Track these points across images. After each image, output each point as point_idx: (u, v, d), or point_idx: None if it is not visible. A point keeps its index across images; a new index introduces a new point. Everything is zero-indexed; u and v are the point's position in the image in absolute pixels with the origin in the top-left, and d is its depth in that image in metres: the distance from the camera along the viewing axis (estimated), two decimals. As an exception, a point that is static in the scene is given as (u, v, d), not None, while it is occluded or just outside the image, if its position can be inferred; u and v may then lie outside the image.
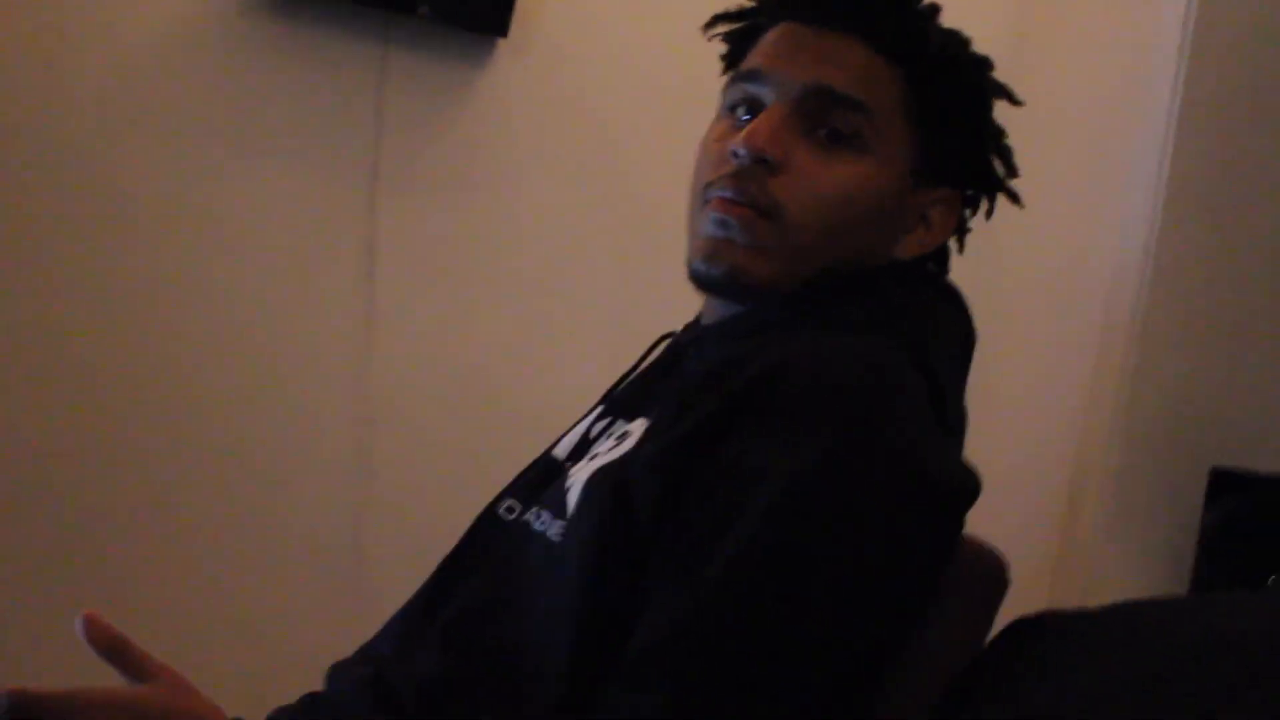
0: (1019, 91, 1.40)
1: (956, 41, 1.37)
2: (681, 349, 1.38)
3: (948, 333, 1.34)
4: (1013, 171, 1.40)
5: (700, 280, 1.33)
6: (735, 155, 1.29)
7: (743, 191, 1.28)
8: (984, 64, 1.37)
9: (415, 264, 2.79)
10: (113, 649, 1.09)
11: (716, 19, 1.43)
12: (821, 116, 1.29)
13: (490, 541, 1.32)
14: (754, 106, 1.33)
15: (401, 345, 2.79)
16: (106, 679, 1.11)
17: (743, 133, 1.29)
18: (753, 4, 1.41)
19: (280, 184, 2.72)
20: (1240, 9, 2.47)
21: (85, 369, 2.65)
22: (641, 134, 2.76)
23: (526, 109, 2.80)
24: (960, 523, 1.22)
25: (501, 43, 2.74)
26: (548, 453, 1.41)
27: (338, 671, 1.39)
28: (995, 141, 1.39)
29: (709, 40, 1.43)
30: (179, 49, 2.64)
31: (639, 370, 1.44)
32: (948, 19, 1.39)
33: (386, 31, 2.69)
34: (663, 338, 1.45)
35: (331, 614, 2.71)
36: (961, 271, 1.44)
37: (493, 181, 2.82)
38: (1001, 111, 1.41)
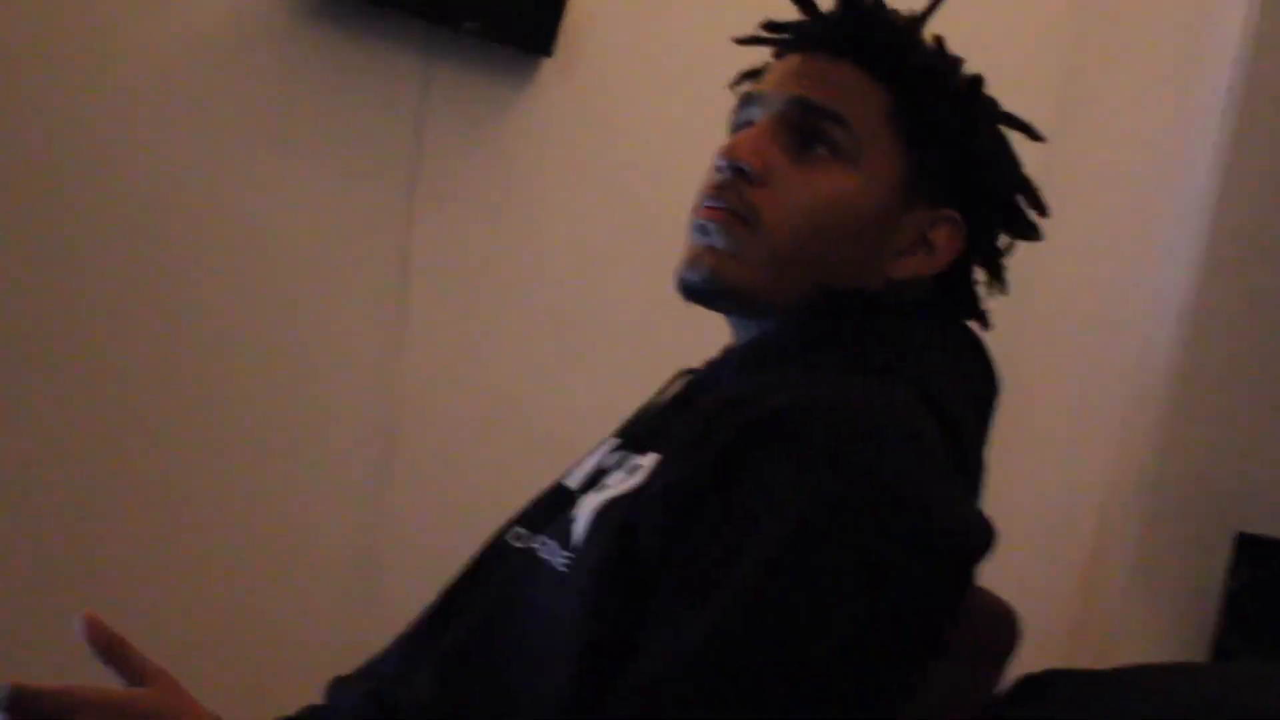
0: (1063, 138, 1.39)
1: (943, 57, 1.39)
2: (698, 384, 1.38)
3: (968, 380, 1.33)
4: (1038, 207, 1.40)
5: (683, 287, 1.34)
6: (719, 168, 1.33)
7: (722, 199, 1.31)
8: (975, 81, 1.38)
9: (448, 276, 2.79)
10: (110, 650, 1.08)
11: (742, 76, 1.48)
12: (803, 129, 1.32)
13: (497, 568, 1.32)
14: (747, 128, 1.37)
15: (429, 357, 2.79)
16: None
17: (724, 146, 1.33)
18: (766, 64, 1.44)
19: (318, 189, 2.72)
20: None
21: (109, 365, 2.65)
22: (678, 160, 2.74)
23: (567, 128, 2.80)
24: (970, 574, 1.20)
25: (546, 62, 2.74)
26: (560, 481, 1.40)
27: (339, 686, 1.39)
28: (1007, 170, 1.39)
29: (735, 93, 1.46)
30: (223, 49, 2.65)
31: (655, 404, 1.44)
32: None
33: (431, 43, 2.70)
34: (681, 373, 1.45)
35: (339, 627, 2.71)
36: (994, 319, 1.43)
37: (529, 199, 2.82)
38: (1045, 156, 1.40)
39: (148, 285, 2.66)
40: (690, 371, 1.44)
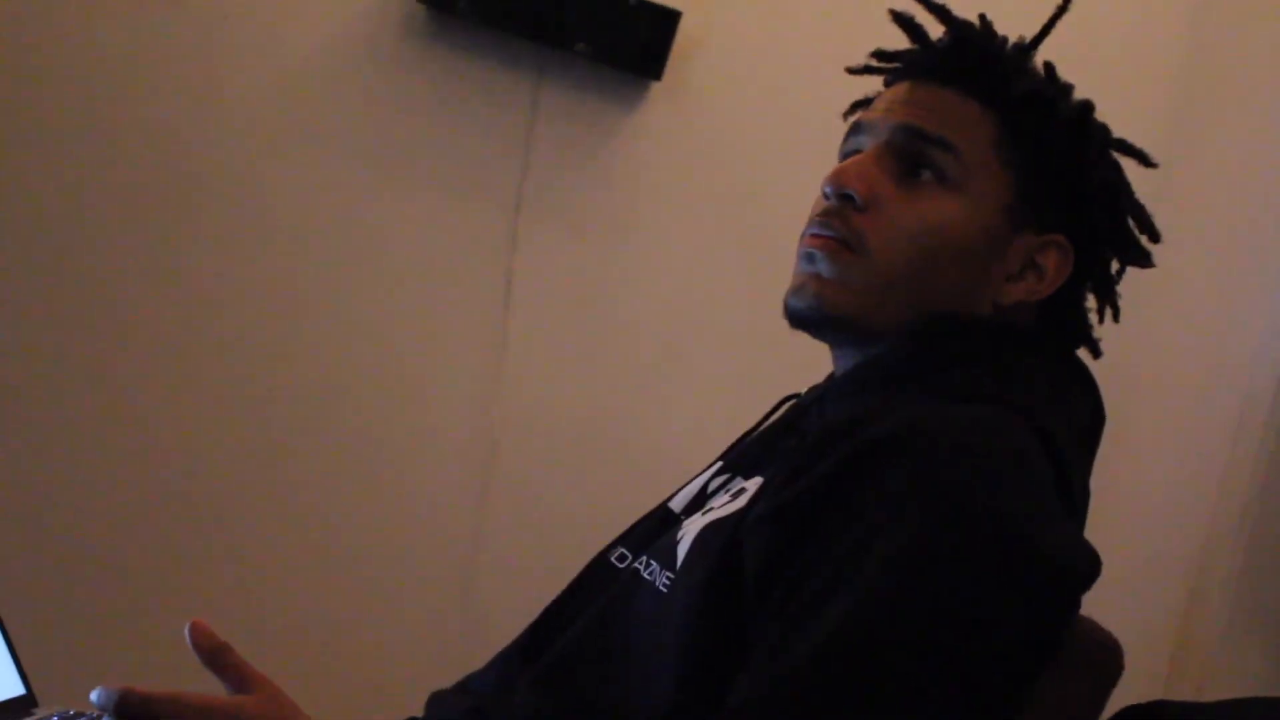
0: (1170, 178, 1.38)
1: (1052, 84, 1.38)
2: (804, 409, 1.38)
3: (1073, 408, 1.32)
4: (1150, 233, 1.39)
5: (790, 315, 1.35)
6: (825, 195, 1.33)
7: (828, 226, 1.31)
8: (1085, 108, 1.37)
9: (551, 296, 2.80)
10: (216, 656, 1.10)
11: (854, 106, 1.47)
12: (909, 156, 1.32)
13: (599, 587, 1.33)
14: (854, 155, 1.36)
15: (530, 376, 2.80)
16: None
17: (831, 173, 1.33)
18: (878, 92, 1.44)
19: (425, 206, 2.75)
20: None
21: (212, 375, 2.70)
22: (783, 186, 2.75)
23: (674, 153, 2.81)
24: (1075, 601, 1.19)
25: (655, 86, 2.75)
26: (664, 504, 1.41)
27: (438, 699, 1.40)
28: (1118, 195, 1.38)
29: (847, 123, 1.45)
30: (335, 67, 2.69)
31: (760, 428, 1.44)
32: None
33: (541, 64, 2.71)
34: (786, 399, 1.45)
35: (438, 641, 2.72)
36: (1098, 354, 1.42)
37: (634, 221, 2.82)
38: (1149, 187, 1.39)
39: (254, 297, 2.70)
40: (795, 397, 1.44)
